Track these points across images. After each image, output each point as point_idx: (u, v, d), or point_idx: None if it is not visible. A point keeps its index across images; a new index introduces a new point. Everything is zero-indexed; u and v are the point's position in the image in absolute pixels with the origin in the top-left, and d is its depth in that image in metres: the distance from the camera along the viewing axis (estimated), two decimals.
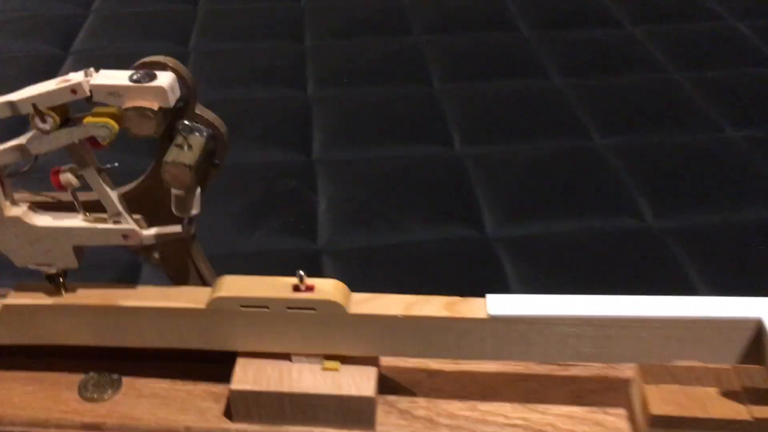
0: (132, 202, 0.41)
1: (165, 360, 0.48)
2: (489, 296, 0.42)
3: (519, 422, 0.44)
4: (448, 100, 0.82)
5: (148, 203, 0.42)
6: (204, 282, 0.45)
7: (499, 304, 0.41)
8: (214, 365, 0.47)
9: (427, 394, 0.46)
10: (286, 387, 0.42)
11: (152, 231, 0.41)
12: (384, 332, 0.42)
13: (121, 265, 0.61)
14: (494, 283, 0.59)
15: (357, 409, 0.42)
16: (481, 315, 0.41)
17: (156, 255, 0.44)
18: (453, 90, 0.84)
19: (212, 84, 0.86)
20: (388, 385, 0.46)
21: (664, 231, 0.64)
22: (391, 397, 0.45)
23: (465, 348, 0.42)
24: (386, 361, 0.47)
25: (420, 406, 0.45)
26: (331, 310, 0.41)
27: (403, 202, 0.68)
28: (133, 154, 0.51)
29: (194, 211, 0.39)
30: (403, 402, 0.45)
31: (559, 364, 0.47)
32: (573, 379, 0.46)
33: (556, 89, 0.83)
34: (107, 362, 0.47)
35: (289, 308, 0.41)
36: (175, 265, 0.44)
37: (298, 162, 0.74)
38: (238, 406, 0.43)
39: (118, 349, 0.47)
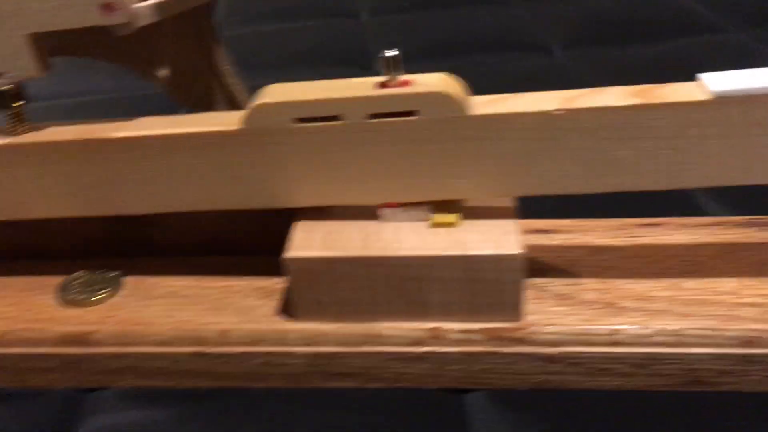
0: None
1: (185, 255, 0.32)
2: (702, 75, 0.25)
3: (761, 300, 0.27)
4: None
5: None
6: (236, 108, 0.29)
7: (726, 80, 0.24)
8: (258, 258, 0.31)
9: (594, 275, 0.29)
10: (376, 250, 0.26)
11: (150, 2, 0.26)
12: (528, 149, 0.25)
13: None
14: None
15: (493, 280, 0.26)
16: (699, 96, 0.24)
17: (163, 71, 0.29)
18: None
19: None
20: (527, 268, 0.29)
21: None
22: (539, 280, 0.29)
23: (669, 163, 0.25)
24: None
25: (588, 287, 0.28)
26: (443, 110, 0.25)
27: None
28: None
29: None
30: (557, 285, 0.28)
31: None
32: None
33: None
34: (103, 261, 0.32)
35: (373, 116, 0.26)
36: (191, 83, 0.29)
37: None
38: (300, 292, 0.27)
39: (116, 243, 0.32)
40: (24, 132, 0.28)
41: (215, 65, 0.28)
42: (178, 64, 0.28)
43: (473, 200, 0.28)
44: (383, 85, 0.26)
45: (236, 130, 0.26)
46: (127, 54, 0.28)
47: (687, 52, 0.56)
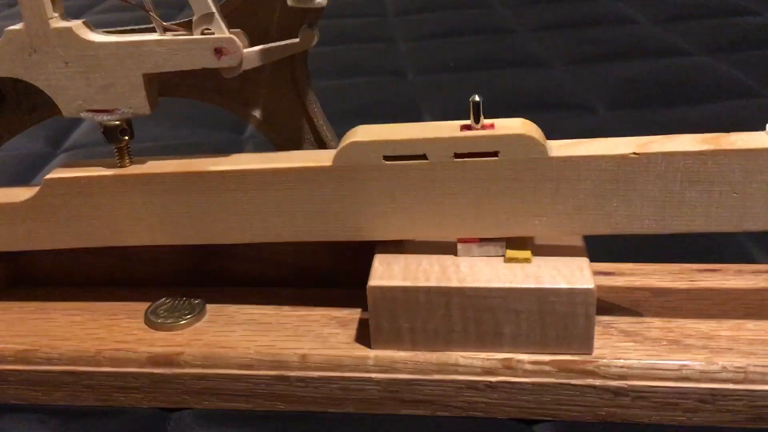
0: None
1: (263, 286, 0.34)
2: None
3: None
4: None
5: (246, 25, 0.29)
6: (323, 148, 0.32)
7: None
8: (333, 291, 0.33)
9: (657, 314, 0.30)
10: (453, 280, 0.28)
11: (256, 48, 0.28)
12: (602, 190, 0.27)
13: None
14: None
15: (565, 314, 0.27)
16: (765, 145, 0.26)
17: (258, 113, 0.31)
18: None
19: None
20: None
21: None
22: (604, 317, 0.30)
23: (736, 206, 0.27)
24: None
25: (653, 326, 0.29)
26: (524, 152, 0.27)
27: None
28: None
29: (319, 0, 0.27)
30: (623, 322, 0.30)
31: None
32: None
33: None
34: (186, 289, 0.33)
35: (457, 156, 0.27)
36: (284, 124, 0.31)
37: None
38: (379, 319, 0.28)
39: (199, 273, 0.34)
40: (129, 165, 0.30)
41: (307, 108, 0.31)
42: (273, 106, 0.31)
43: (545, 238, 0.29)
44: (467, 127, 0.28)
45: (329, 166, 0.28)
46: (227, 95, 0.30)
47: (727, 114, 0.57)
